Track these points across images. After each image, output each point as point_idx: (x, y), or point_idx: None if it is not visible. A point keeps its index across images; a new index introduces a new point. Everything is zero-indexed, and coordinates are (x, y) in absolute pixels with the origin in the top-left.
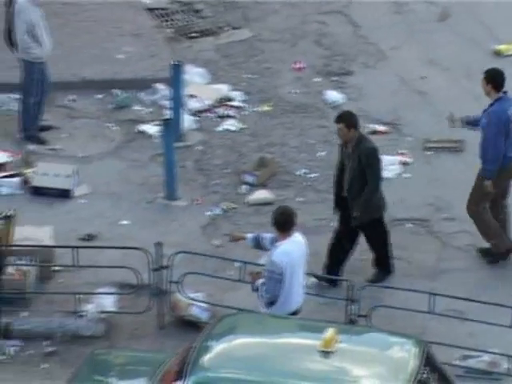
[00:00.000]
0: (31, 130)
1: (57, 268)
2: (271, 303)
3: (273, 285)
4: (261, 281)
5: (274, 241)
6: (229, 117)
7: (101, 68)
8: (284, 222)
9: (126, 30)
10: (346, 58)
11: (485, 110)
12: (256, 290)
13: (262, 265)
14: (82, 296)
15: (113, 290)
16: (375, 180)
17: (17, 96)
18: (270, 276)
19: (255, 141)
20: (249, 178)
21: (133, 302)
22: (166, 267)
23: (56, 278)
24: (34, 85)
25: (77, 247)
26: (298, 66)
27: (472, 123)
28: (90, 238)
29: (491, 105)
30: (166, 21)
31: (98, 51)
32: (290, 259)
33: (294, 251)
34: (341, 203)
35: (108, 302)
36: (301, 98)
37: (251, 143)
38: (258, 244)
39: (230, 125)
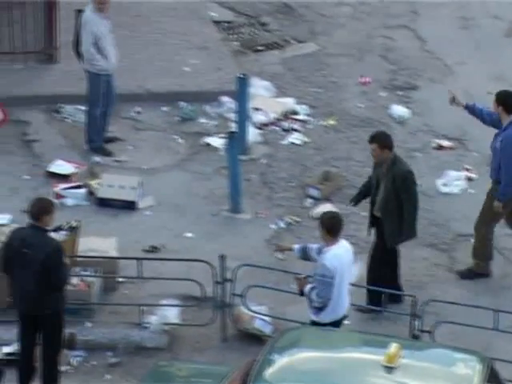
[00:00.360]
0: (97, 142)
1: (121, 279)
2: (320, 309)
3: (325, 288)
4: (309, 286)
5: (320, 251)
6: (294, 130)
7: (167, 80)
8: (332, 227)
9: (193, 43)
10: (412, 73)
11: (497, 134)
12: (303, 294)
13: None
14: (145, 308)
15: (176, 302)
16: (414, 204)
17: (84, 107)
18: (322, 280)
19: (320, 154)
20: (313, 192)
21: (196, 314)
22: (230, 280)
23: (120, 289)
24: (100, 96)
25: (141, 259)
26: (363, 80)
27: (472, 112)
28: (154, 249)
29: (504, 129)
30: (233, 34)
31: (165, 64)
32: (340, 263)
33: (344, 256)
34: (375, 222)
35: (171, 314)
36: (366, 112)
37: (316, 157)
38: (305, 254)
39: (295, 138)
